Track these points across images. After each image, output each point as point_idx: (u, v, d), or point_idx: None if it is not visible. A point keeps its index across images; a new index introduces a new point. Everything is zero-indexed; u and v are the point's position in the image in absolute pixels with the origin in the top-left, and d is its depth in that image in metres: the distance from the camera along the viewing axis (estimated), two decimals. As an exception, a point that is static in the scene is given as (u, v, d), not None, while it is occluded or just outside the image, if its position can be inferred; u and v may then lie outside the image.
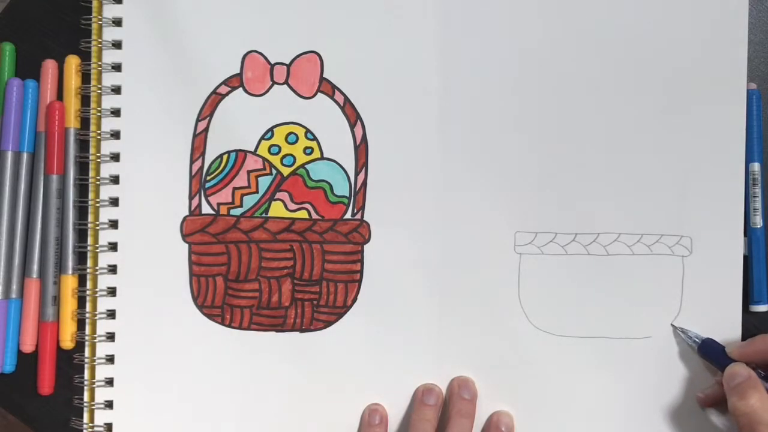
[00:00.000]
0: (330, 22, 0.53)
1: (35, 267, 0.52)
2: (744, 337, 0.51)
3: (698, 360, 0.51)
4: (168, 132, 0.52)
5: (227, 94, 0.53)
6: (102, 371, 0.52)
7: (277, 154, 0.53)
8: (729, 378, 0.47)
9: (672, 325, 0.51)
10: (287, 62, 0.53)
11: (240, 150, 0.53)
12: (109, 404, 0.52)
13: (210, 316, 0.52)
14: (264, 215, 0.52)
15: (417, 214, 0.52)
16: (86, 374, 0.52)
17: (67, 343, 0.52)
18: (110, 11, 0.52)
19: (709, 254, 0.52)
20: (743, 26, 0.52)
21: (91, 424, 0.52)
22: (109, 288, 0.52)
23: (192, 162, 0.52)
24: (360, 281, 0.52)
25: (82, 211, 0.53)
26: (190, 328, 0.52)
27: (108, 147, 0.52)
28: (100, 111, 0.52)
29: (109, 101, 0.53)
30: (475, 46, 0.52)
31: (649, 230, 0.52)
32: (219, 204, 0.52)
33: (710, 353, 0.50)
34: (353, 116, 0.53)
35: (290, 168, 0.53)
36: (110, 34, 0.53)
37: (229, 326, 0.52)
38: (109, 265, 0.52)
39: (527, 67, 0.52)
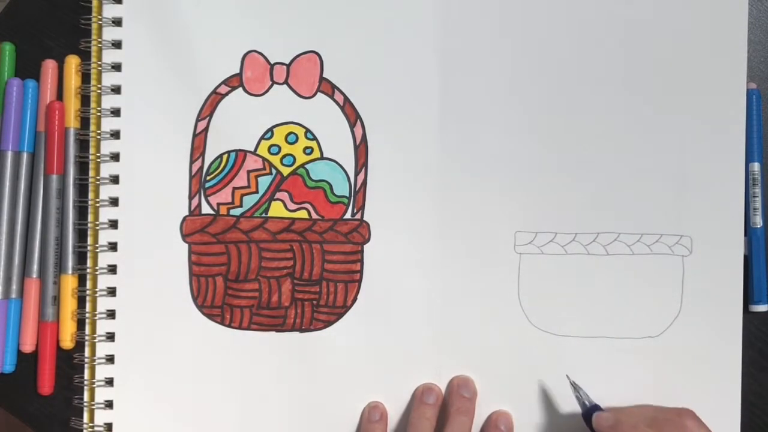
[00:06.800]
0: (330, 22, 0.53)
1: (35, 267, 0.52)
2: (744, 338, 0.51)
3: (698, 361, 0.51)
4: (168, 132, 0.52)
5: (227, 93, 0.53)
6: (102, 371, 0.52)
7: (276, 154, 0.53)
8: None
9: (567, 376, 0.51)
10: (287, 62, 0.53)
11: (240, 150, 0.53)
12: (109, 404, 0.52)
13: (210, 316, 0.52)
14: (264, 215, 0.52)
15: (417, 214, 0.52)
16: (86, 374, 0.52)
17: (67, 343, 0.52)
18: (110, 11, 0.52)
19: (709, 254, 0.52)
20: (743, 26, 0.52)
21: (91, 424, 0.52)
22: (109, 288, 0.52)
23: (192, 162, 0.52)
24: (360, 281, 0.52)
25: (82, 211, 0.53)
26: (190, 328, 0.52)
27: (108, 147, 0.52)
28: (100, 111, 0.52)
29: (109, 101, 0.53)
30: (475, 46, 0.52)
31: (649, 230, 0.52)
32: (219, 204, 0.52)
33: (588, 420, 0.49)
34: (353, 116, 0.53)
35: (290, 168, 0.53)
36: (110, 34, 0.53)
37: (229, 326, 0.52)
38: (109, 265, 0.52)
39: (527, 67, 0.52)
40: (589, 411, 0.49)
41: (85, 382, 0.52)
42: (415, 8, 0.52)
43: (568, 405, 0.52)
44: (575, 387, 0.50)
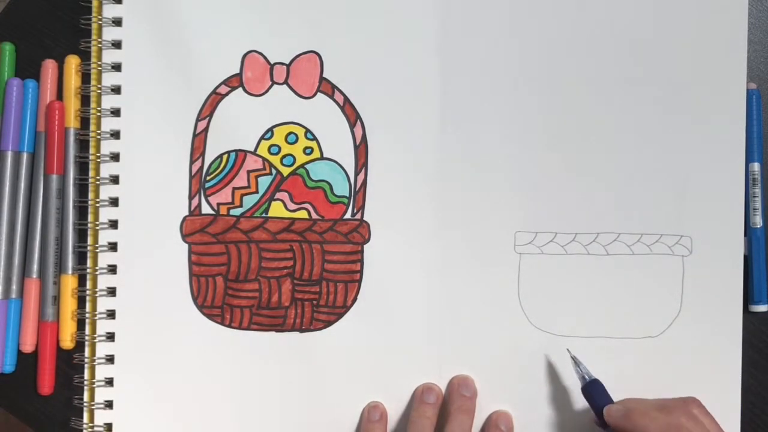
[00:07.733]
0: (330, 22, 0.53)
1: (35, 267, 0.52)
2: (744, 338, 0.51)
3: (699, 361, 0.51)
4: (168, 132, 0.52)
5: (227, 94, 0.53)
6: (102, 371, 0.52)
7: (276, 154, 0.53)
8: None
9: (567, 350, 0.51)
10: (287, 62, 0.53)
11: (240, 150, 0.53)
12: (109, 404, 0.52)
13: (210, 316, 0.52)
14: (264, 215, 0.52)
15: (417, 214, 0.52)
16: (86, 374, 0.52)
17: (67, 343, 0.52)
18: (110, 11, 0.52)
19: (709, 254, 0.52)
20: (743, 26, 0.52)
21: (91, 424, 0.52)
22: (109, 288, 0.52)
23: (192, 162, 0.52)
24: (360, 281, 0.52)
25: (82, 211, 0.53)
26: (190, 328, 0.52)
27: (108, 147, 0.52)
28: (100, 111, 0.52)
29: (109, 101, 0.53)
30: (475, 46, 0.52)
31: (649, 230, 0.52)
32: (219, 204, 0.52)
33: (593, 395, 0.49)
34: (353, 116, 0.53)
35: (290, 168, 0.53)
36: (110, 34, 0.53)
37: (229, 326, 0.52)
38: (109, 265, 0.52)
39: (527, 67, 0.52)
40: (589, 385, 0.49)
41: (85, 382, 0.52)
42: (416, 8, 0.52)
43: (569, 405, 0.52)
44: (576, 361, 0.50)
